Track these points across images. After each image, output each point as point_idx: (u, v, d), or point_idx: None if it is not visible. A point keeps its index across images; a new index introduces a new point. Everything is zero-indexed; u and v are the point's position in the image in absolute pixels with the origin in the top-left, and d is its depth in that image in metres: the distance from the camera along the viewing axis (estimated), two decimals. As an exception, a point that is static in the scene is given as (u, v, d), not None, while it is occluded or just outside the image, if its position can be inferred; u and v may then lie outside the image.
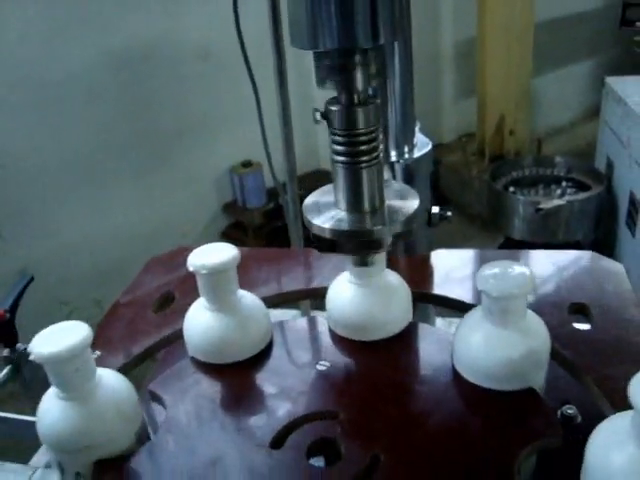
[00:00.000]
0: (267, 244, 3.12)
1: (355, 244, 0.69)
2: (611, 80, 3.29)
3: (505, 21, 3.59)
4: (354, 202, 0.69)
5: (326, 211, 0.70)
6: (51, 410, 0.60)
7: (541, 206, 2.91)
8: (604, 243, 3.11)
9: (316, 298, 0.83)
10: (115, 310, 0.86)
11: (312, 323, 0.77)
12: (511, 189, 3.22)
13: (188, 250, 0.97)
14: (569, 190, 3.18)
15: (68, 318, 0.69)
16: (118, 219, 2.93)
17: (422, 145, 0.96)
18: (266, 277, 0.88)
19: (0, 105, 2.48)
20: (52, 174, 2.69)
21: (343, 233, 0.67)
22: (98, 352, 0.78)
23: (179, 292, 0.87)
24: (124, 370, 0.75)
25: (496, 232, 3.30)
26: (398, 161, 0.92)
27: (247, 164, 3.11)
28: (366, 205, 0.69)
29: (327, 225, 0.68)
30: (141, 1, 2.74)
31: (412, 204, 0.71)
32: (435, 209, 0.96)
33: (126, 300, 0.88)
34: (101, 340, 0.80)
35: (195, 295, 0.77)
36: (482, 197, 3.39)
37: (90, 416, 0.59)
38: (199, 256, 0.69)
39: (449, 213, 0.97)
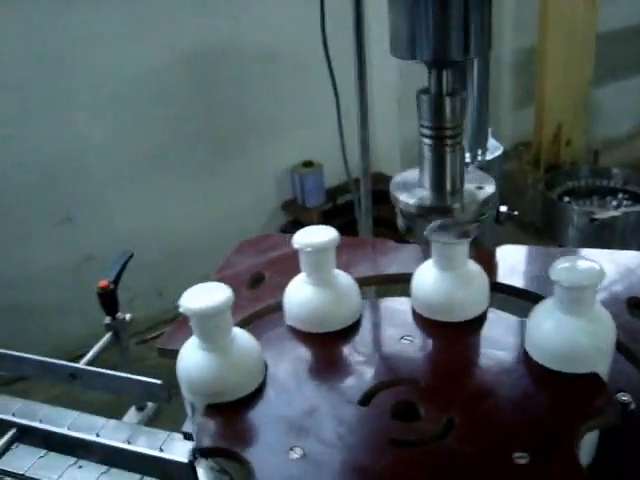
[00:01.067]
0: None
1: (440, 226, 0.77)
2: (672, 93, 3.30)
3: (566, 31, 3.61)
4: (437, 182, 0.77)
5: (411, 189, 0.79)
6: (191, 357, 0.71)
7: (596, 216, 2.94)
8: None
9: (397, 283, 0.91)
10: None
11: (398, 303, 0.85)
12: (566, 199, 3.25)
13: (273, 236, 1.07)
14: (625, 202, 3.20)
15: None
16: (182, 213, 3.05)
17: (493, 149, 1.03)
18: (347, 261, 0.97)
19: (81, 101, 2.63)
20: (122, 167, 2.84)
21: (425, 208, 0.76)
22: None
23: (268, 272, 0.97)
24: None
25: (550, 241, 3.33)
26: (472, 162, 1.00)
27: (308, 164, 3.21)
28: (448, 185, 0.78)
29: (412, 201, 0.76)
30: (210, 3, 2.86)
31: (489, 189, 0.80)
32: (503, 208, 1.03)
33: (219, 277, 0.98)
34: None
35: (283, 275, 0.86)
36: (536, 206, 3.43)
37: (224, 366, 0.70)
38: (304, 236, 0.77)
39: (516, 213, 1.05)
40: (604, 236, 3.00)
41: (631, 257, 1.00)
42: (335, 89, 1.63)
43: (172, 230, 3.01)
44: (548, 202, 3.23)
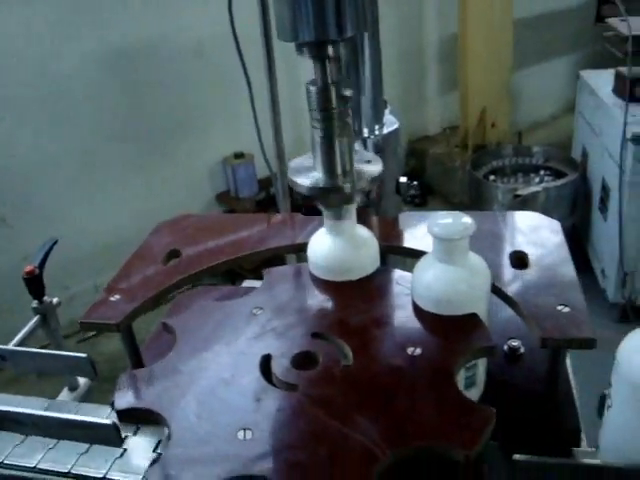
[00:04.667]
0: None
1: (331, 199, 0.85)
2: (585, 74, 3.46)
3: (485, 18, 3.75)
4: (328, 165, 0.85)
5: (307, 173, 0.87)
6: (321, 243, 0.91)
7: (518, 192, 3.08)
8: (580, 228, 3.28)
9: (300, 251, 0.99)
10: (130, 263, 1.01)
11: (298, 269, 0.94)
12: (491, 177, 3.39)
13: (190, 216, 1.13)
14: (547, 178, 3.35)
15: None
16: (116, 210, 3.08)
17: (390, 124, 1.11)
18: (258, 236, 1.04)
19: (8, 100, 2.63)
20: (54, 166, 2.84)
21: (319, 189, 0.83)
22: (117, 296, 0.93)
23: (184, 249, 1.03)
24: (139, 312, 0.91)
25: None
26: (369, 137, 1.08)
27: (239, 155, 3.27)
28: (338, 167, 0.85)
29: (307, 183, 0.84)
30: (135, 2, 2.89)
31: (376, 168, 0.88)
32: (403, 179, 1.12)
33: (138, 255, 1.04)
34: (118, 287, 0.95)
35: (198, 248, 0.94)
36: (465, 186, 3.56)
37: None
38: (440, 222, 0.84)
39: (415, 183, 1.13)
40: (527, 211, 3.13)
41: (522, 217, 1.10)
42: (248, 81, 1.68)
43: (107, 227, 3.04)
44: (474, 181, 3.36)
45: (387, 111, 1.16)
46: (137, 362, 0.94)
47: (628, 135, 2.65)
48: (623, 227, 2.71)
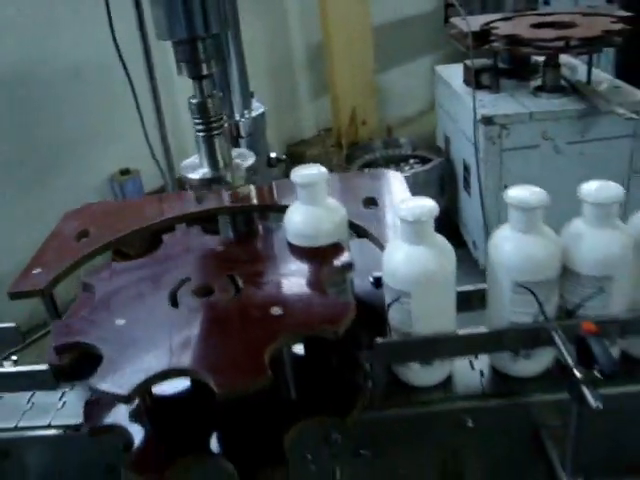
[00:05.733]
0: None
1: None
2: (439, 68, 3.83)
3: (345, 25, 4.06)
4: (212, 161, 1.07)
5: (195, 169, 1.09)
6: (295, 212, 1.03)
7: (391, 180, 3.36)
8: (451, 208, 3.61)
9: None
10: (45, 245, 1.17)
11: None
12: (365, 170, 3.67)
13: (93, 204, 1.29)
14: (416, 165, 3.67)
15: None
16: (5, 236, 3.10)
17: (257, 109, 1.33)
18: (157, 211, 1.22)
19: None
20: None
21: (207, 180, 1.05)
22: (39, 269, 1.09)
23: (92, 229, 1.19)
24: (59, 279, 1.07)
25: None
26: (240, 120, 1.29)
27: (125, 172, 3.39)
28: (220, 162, 1.07)
29: (196, 176, 1.05)
30: (16, 25, 2.97)
31: (249, 160, 1.10)
32: (273, 154, 1.33)
33: (51, 238, 1.19)
34: (38, 262, 1.10)
35: (105, 228, 1.11)
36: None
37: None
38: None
39: (284, 156, 1.35)
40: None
41: (374, 172, 1.33)
42: (135, 94, 1.86)
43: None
44: (351, 176, 3.62)
45: (254, 100, 1.37)
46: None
47: (478, 118, 2.99)
48: (484, 199, 3.04)
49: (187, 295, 0.95)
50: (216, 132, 1.09)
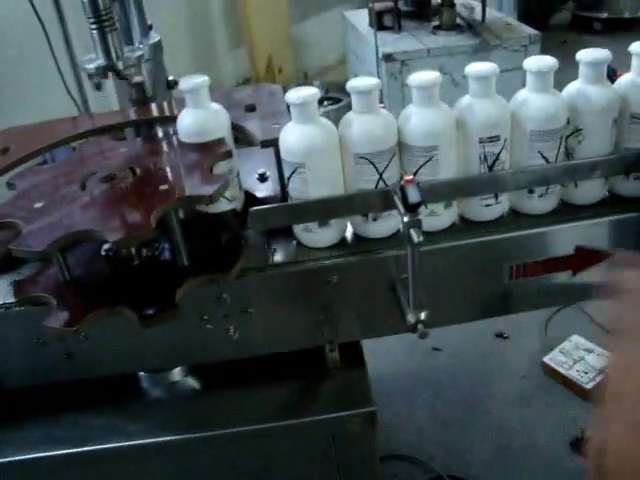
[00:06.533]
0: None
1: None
2: (348, 14, 4.03)
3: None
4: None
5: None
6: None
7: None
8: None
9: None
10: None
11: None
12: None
13: (15, 127, 1.46)
14: (329, 106, 3.89)
15: None
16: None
17: (154, 37, 1.51)
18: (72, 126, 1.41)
19: None
20: None
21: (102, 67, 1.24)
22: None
23: (13, 145, 1.37)
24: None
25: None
26: (139, 47, 1.46)
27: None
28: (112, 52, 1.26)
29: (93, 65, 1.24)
30: None
31: (139, 52, 1.29)
32: (170, 77, 1.52)
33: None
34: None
35: (25, 146, 1.29)
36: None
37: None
38: (295, 92, 1.15)
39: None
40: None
41: (254, 87, 1.53)
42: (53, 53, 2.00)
43: None
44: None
45: (152, 31, 1.55)
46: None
47: (380, 56, 3.22)
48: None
49: (94, 182, 1.15)
50: (107, 25, 1.26)
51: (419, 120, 1.15)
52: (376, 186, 1.16)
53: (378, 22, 3.39)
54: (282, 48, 4.43)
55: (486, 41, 3.27)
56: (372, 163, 1.14)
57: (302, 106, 1.13)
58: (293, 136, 1.15)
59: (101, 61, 1.29)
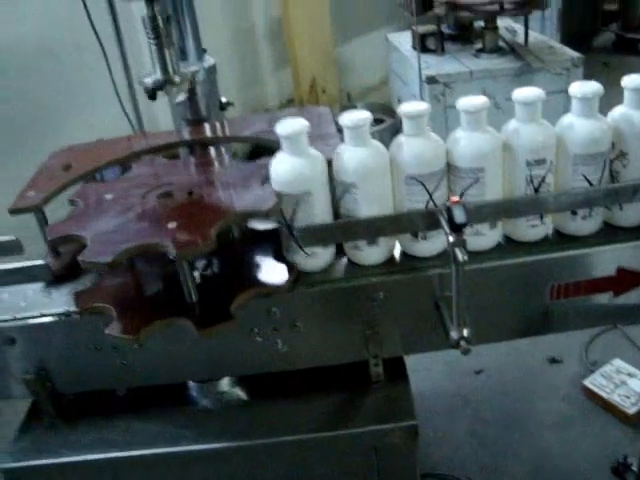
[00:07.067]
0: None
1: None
2: (391, 36, 4.09)
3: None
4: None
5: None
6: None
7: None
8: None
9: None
10: (34, 176, 1.41)
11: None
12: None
13: (75, 145, 1.54)
14: (372, 127, 3.93)
15: None
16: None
17: (208, 61, 1.58)
18: (128, 145, 1.48)
19: None
20: None
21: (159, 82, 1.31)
22: (32, 192, 1.33)
23: (74, 163, 1.44)
24: (49, 198, 1.32)
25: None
26: (198, 71, 1.53)
27: (101, 142, 3.59)
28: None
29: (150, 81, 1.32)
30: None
31: (195, 67, 1.37)
32: (223, 99, 1.59)
33: (39, 171, 1.44)
34: (30, 187, 1.35)
35: (86, 162, 1.36)
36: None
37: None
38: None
39: (233, 103, 1.60)
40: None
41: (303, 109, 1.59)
42: (108, 64, 2.10)
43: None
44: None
45: (206, 55, 1.62)
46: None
47: (423, 78, 3.26)
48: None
49: (153, 198, 1.21)
50: (165, 41, 1.33)
51: (467, 143, 1.19)
52: (426, 206, 1.20)
53: (421, 45, 3.44)
54: (326, 69, 4.51)
55: (529, 64, 3.30)
56: (422, 184, 1.18)
57: (355, 129, 1.18)
58: (346, 157, 1.20)
59: (158, 75, 1.35)
